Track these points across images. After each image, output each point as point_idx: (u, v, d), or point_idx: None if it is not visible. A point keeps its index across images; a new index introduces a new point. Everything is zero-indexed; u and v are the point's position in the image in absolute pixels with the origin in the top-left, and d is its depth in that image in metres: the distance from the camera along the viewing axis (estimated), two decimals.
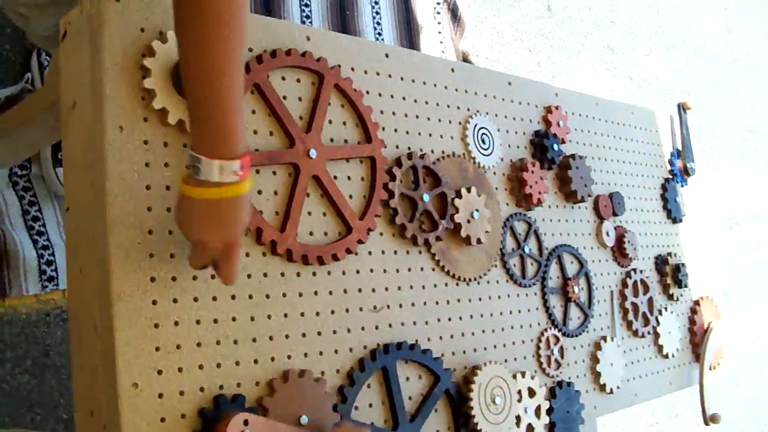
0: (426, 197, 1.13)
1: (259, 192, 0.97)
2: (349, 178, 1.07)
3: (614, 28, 3.32)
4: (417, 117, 1.18)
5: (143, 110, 0.88)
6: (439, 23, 2.38)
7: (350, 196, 1.06)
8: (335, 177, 1.05)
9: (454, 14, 2.41)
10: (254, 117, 0.98)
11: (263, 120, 0.99)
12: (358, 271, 1.05)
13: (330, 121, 1.06)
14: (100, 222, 0.84)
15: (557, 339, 1.34)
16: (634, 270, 1.55)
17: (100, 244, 0.84)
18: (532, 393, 1.24)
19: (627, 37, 3.38)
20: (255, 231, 0.95)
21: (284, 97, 1.02)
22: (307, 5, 2.11)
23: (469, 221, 1.19)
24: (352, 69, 1.11)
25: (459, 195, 1.19)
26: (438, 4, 2.40)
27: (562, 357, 1.34)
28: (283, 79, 1.02)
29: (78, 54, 0.90)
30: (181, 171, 0.87)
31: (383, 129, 1.13)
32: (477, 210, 1.20)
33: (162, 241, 0.87)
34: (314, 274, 1.00)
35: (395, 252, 1.10)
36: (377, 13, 2.26)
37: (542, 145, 1.38)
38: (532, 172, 1.33)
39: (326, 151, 1.03)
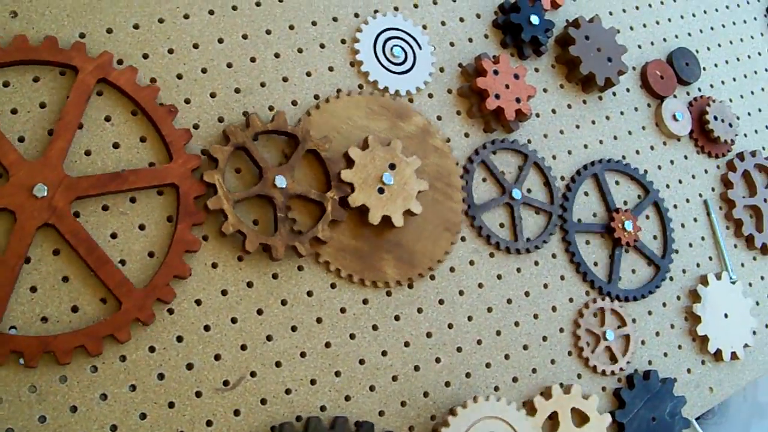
0: (281, 181, 0.71)
1: None
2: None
3: None
4: (253, 61, 0.76)
5: None
6: None
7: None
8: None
9: None
10: None
11: None
12: (180, 339, 0.66)
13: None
14: None
15: (613, 312, 0.86)
16: (740, 156, 1.00)
17: None
18: (582, 418, 0.79)
19: None
20: None
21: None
22: None
23: (381, 191, 0.74)
24: (109, 30, 0.70)
25: (349, 158, 0.74)
26: None
27: (627, 338, 0.86)
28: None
29: None
30: None
31: (186, 102, 0.72)
32: (389, 170, 0.75)
33: None
34: (69, 382, 0.63)
35: (249, 283, 0.69)
36: None
37: (511, 24, 0.89)
38: (496, 72, 0.84)
39: (71, 186, 0.64)
